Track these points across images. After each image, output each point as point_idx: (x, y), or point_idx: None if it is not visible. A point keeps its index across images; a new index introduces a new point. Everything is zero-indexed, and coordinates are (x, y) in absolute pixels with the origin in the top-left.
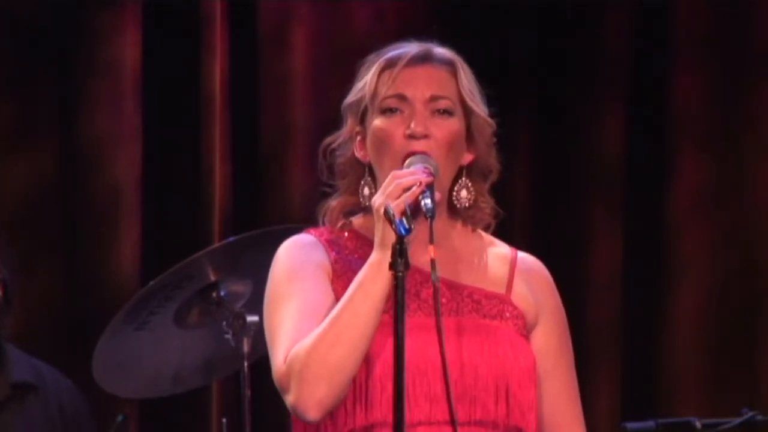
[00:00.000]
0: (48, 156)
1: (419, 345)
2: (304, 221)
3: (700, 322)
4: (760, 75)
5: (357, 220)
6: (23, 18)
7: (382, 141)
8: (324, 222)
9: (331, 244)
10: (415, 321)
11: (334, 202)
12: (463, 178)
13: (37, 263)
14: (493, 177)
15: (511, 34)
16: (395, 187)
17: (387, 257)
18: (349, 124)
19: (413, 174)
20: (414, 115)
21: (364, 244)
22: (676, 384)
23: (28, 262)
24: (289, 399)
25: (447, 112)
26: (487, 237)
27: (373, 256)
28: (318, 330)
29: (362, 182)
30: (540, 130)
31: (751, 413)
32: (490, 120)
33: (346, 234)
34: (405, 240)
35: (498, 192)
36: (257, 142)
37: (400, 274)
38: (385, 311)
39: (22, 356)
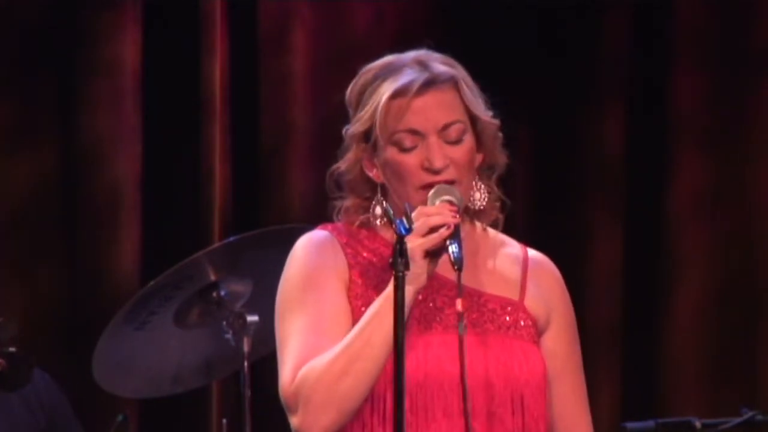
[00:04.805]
0: (48, 156)
1: (439, 359)
2: (304, 221)
3: (700, 321)
4: (760, 74)
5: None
6: (23, 18)
7: (400, 174)
8: (339, 219)
9: (348, 245)
10: (436, 336)
11: (348, 202)
12: (476, 180)
13: (37, 263)
14: (500, 169)
15: (511, 33)
16: (422, 224)
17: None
18: (354, 152)
19: (440, 213)
20: (430, 148)
21: (381, 245)
22: (676, 384)
23: (29, 262)
24: (294, 421)
25: (460, 139)
26: (497, 235)
27: (390, 289)
28: (329, 355)
29: (374, 201)
30: (540, 130)
31: (751, 413)
32: (493, 120)
33: (363, 232)
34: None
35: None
36: (257, 143)
37: (401, 274)
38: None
39: None
